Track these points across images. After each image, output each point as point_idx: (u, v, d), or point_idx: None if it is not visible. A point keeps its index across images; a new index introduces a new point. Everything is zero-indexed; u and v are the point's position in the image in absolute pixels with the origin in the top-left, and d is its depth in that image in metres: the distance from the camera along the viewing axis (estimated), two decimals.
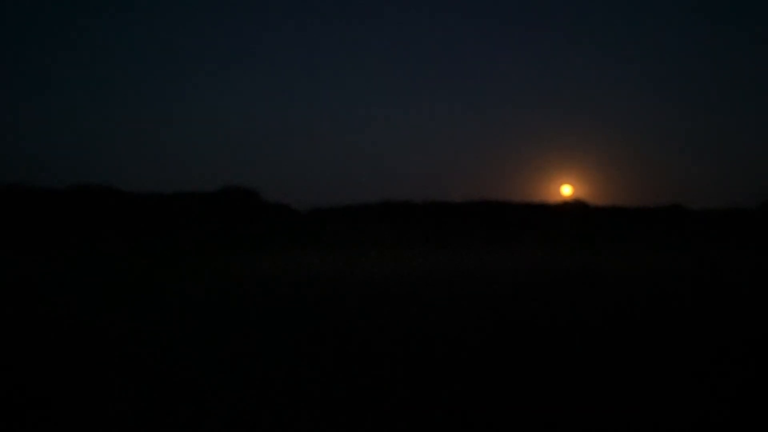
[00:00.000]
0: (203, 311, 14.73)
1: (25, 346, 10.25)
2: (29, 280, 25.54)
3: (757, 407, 6.57)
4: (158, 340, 10.67)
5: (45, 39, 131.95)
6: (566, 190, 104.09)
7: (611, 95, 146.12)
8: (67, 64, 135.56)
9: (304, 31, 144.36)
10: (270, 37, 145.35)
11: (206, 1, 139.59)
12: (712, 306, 15.12)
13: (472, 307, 15.30)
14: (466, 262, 43.81)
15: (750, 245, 69.64)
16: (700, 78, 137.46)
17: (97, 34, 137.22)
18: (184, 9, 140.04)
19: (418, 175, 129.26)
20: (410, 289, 20.41)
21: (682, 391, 7.19)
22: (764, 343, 10.10)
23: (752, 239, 79.18)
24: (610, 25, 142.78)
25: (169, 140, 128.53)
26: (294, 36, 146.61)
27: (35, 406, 6.70)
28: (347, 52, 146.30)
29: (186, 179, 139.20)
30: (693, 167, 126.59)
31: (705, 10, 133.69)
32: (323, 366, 8.53)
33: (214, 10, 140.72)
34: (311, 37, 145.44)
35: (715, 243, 78.13)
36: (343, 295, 18.65)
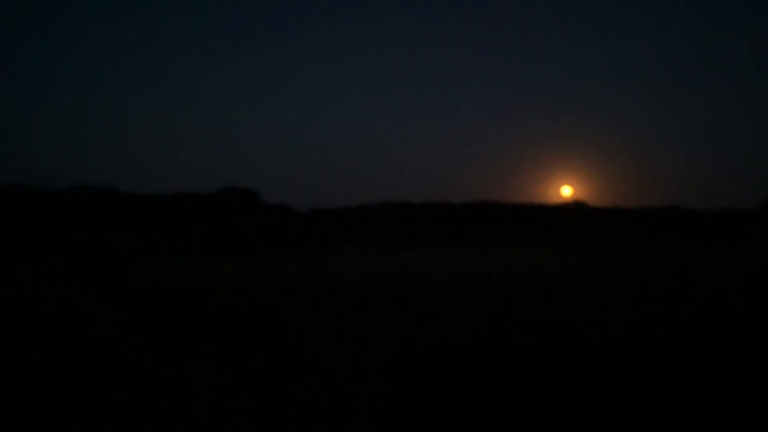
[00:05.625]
0: (203, 311, 14.73)
1: (26, 344, 10.25)
2: (30, 280, 25.55)
3: (757, 408, 6.57)
4: (157, 340, 10.67)
5: (46, 41, 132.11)
6: (566, 191, 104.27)
7: (611, 97, 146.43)
8: (68, 65, 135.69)
9: (305, 33, 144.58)
10: (271, 38, 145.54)
11: (206, 3, 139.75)
12: (712, 306, 15.13)
13: (472, 307, 15.31)
14: (466, 262, 43.81)
15: (750, 245, 69.68)
16: (700, 79, 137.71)
17: (98, 35, 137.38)
18: (184, 11, 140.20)
19: (418, 176, 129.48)
20: (410, 290, 20.41)
21: (682, 391, 7.19)
22: (764, 344, 10.11)
23: (752, 239, 79.28)
24: (611, 26, 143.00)
25: (169, 141, 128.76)
26: (295, 38, 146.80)
27: (34, 405, 6.70)
28: (347, 54, 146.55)
29: (186, 179, 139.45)
30: (693, 167, 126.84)
31: (705, 11, 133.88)
32: (322, 366, 8.53)
33: (215, 12, 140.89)
34: (312, 39, 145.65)
35: (715, 243, 78.20)
36: (342, 295, 18.65)
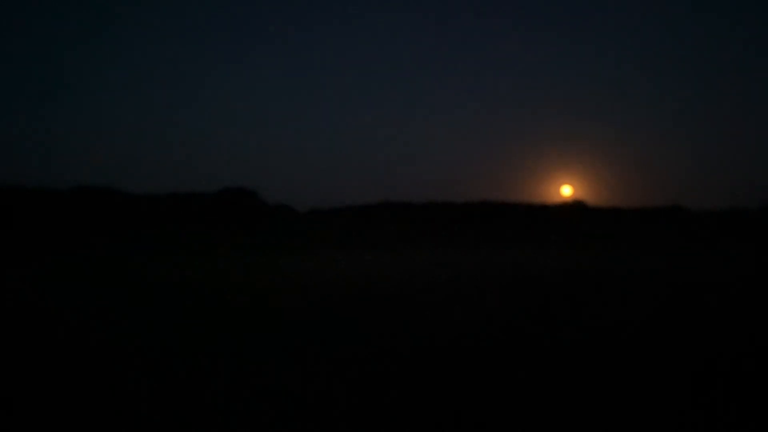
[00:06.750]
0: (203, 311, 14.73)
1: (25, 345, 10.25)
2: (29, 280, 25.54)
3: (756, 408, 6.57)
4: (157, 341, 10.67)
5: (47, 42, 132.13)
6: (566, 191, 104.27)
7: (611, 96, 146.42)
8: (69, 66, 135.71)
9: (305, 33, 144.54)
10: (271, 38, 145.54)
11: (206, 4, 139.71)
12: (712, 306, 15.13)
13: (471, 307, 15.31)
14: (466, 262, 43.79)
15: (750, 245, 69.67)
16: (700, 79, 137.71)
17: (98, 37, 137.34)
18: (184, 12, 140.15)
19: (418, 176, 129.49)
20: (410, 289, 20.41)
21: (682, 391, 7.19)
22: (764, 344, 10.10)
23: (752, 239, 79.25)
24: (611, 26, 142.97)
25: (169, 141, 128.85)
26: (295, 38, 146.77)
27: (34, 406, 6.70)
28: (348, 54, 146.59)
29: (186, 179, 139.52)
30: (693, 167, 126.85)
31: (705, 11, 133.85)
32: (322, 366, 8.53)
33: (215, 13, 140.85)
34: (312, 39, 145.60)
35: (715, 243, 78.17)
36: (342, 295, 18.64)
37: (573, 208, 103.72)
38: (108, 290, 20.75)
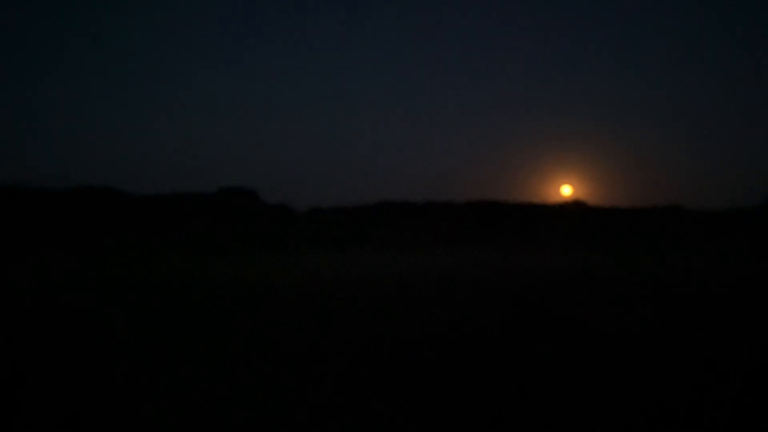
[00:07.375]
0: (202, 311, 14.72)
1: (25, 345, 10.25)
2: (29, 280, 25.53)
3: (757, 408, 6.57)
4: (157, 340, 10.67)
5: (46, 41, 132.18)
6: (566, 191, 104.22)
7: (611, 96, 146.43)
8: (68, 65, 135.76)
9: (305, 33, 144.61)
10: (270, 38, 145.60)
11: (206, 3, 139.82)
12: (712, 306, 15.13)
13: (471, 306, 15.30)
14: (465, 261, 43.78)
15: (750, 245, 69.69)
16: (700, 79, 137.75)
17: (98, 36, 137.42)
18: (184, 11, 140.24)
19: (418, 176, 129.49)
20: (409, 289, 20.40)
21: (682, 391, 7.19)
22: (764, 344, 10.10)
23: (752, 239, 79.23)
24: (610, 27, 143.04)
25: (169, 141, 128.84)
26: (294, 37, 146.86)
27: (34, 403, 6.71)
28: (348, 54, 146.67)
29: (186, 179, 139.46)
30: (693, 167, 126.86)
31: (705, 11, 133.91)
32: (321, 365, 8.53)
33: (214, 12, 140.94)
34: (311, 38, 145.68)
35: (715, 243, 78.17)
36: (342, 294, 18.64)
37: (573, 208, 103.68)
38: (108, 290, 20.74)
